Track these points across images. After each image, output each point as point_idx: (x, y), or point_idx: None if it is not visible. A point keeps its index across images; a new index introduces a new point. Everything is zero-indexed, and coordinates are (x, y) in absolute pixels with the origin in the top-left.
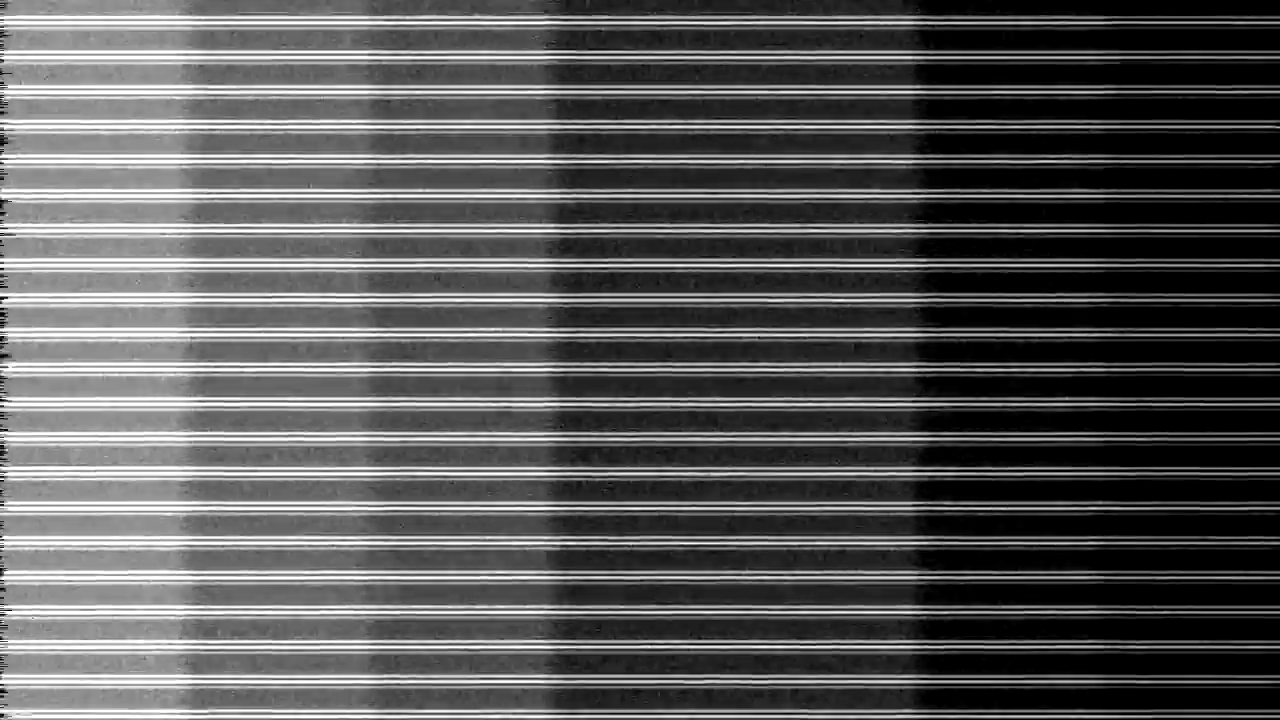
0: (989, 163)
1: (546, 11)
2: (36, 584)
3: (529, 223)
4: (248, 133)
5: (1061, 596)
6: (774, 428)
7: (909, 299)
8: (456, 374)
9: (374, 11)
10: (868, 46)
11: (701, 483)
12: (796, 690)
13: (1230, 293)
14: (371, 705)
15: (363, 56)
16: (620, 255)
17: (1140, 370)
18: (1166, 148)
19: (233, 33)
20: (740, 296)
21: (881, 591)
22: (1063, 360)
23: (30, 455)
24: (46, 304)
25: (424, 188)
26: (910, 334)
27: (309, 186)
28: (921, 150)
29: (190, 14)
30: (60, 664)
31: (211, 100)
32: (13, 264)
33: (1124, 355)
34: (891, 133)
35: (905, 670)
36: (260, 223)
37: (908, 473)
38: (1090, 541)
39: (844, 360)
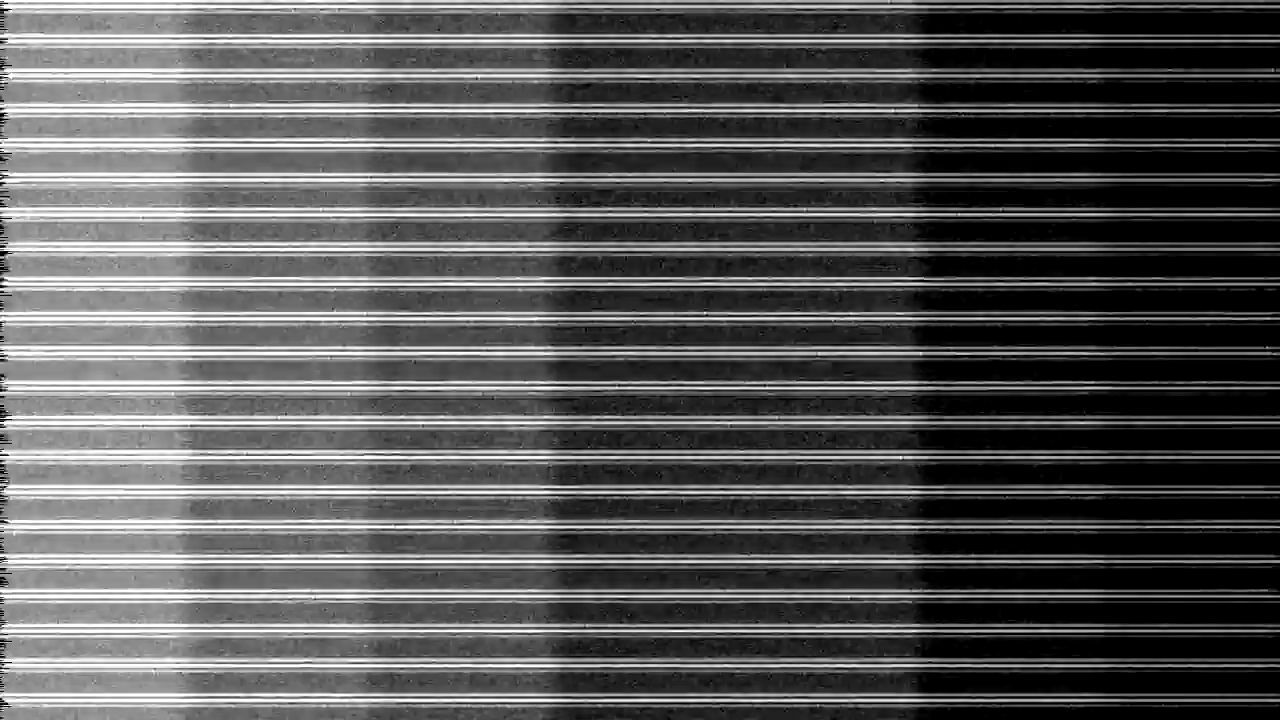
0: (989, 146)
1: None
2: (36, 579)
3: (530, 213)
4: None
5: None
6: (780, 477)
7: (910, 306)
8: (459, 369)
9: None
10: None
11: (711, 501)
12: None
13: (1230, 276)
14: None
15: (367, 43)
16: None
17: (1145, 391)
18: (1165, 165)
19: (236, 15)
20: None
21: (881, 612)
22: (1066, 406)
23: (31, 446)
24: (47, 299)
25: (424, 140)
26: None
27: (310, 173)
28: (922, 137)
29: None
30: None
31: (213, 86)
32: (13, 276)
33: (1130, 373)
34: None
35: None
36: (260, 207)
37: (910, 495)
38: (1096, 592)
39: (847, 380)
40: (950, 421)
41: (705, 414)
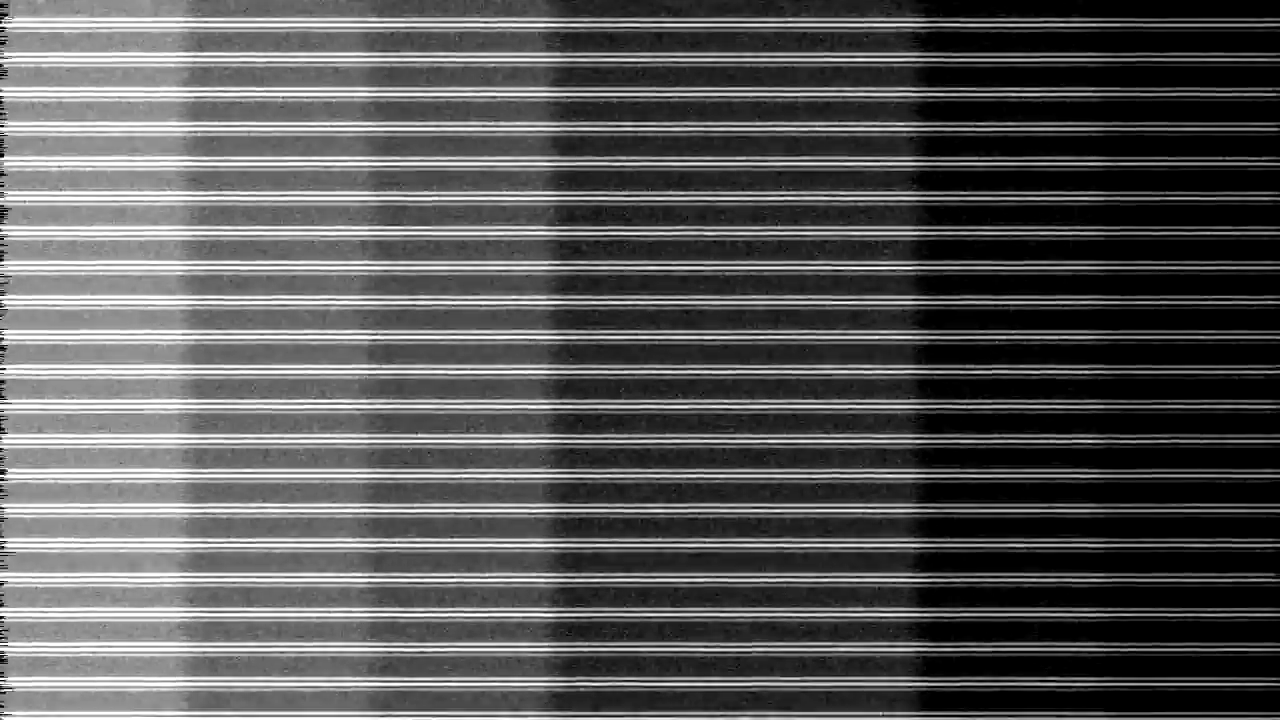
0: (989, 164)
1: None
2: (37, 585)
3: (531, 225)
4: (248, 136)
5: (1063, 599)
6: (772, 428)
7: (908, 305)
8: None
9: (378, 16)
10: (868, 49)
11: (700, 485)
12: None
13: (1230, 295)
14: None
15: (366, 57)
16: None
17: (1140, 372)
18: (1163, 149)
19: (233, 35)
20: (742, 299)
21: (879, 594)
22: (1063, 379)
23: (30, 457)
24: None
25: (428, 168)
26: (911, 339)
27: (310, 188)
28: (922, 154)
29: (190, 16)
30: (59, 666)
31: (212, 103)
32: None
33: (1123, 358)
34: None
35: (906, 671)
36: (260, 224)
37: (908, 475)
38: (1093, 544)
39: (844, 361)
40: (949, 440)
41: (706, 431)
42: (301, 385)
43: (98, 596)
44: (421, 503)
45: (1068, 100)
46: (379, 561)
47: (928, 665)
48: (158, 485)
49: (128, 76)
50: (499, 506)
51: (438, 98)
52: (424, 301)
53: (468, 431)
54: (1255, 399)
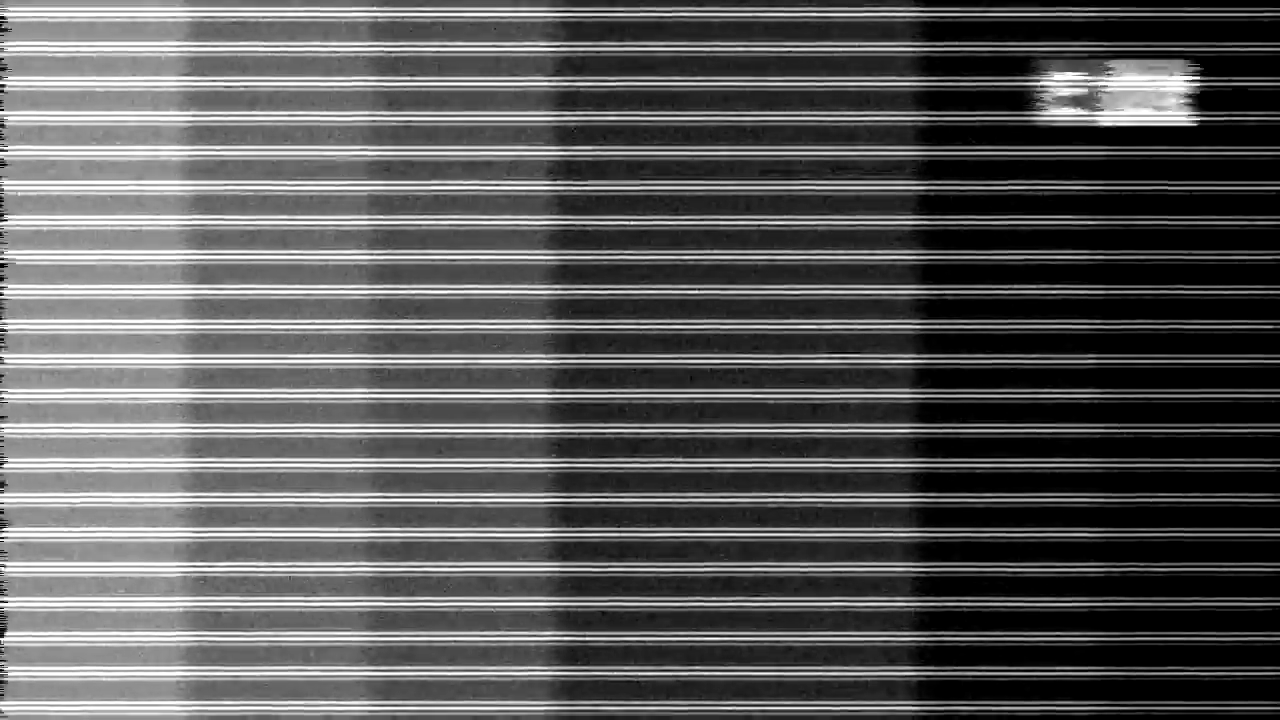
0: (985, 153)
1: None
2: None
3: (530, 248)
4: (248, 155)
5: (1062, 603)
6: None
7: (908, 323)
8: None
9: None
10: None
11: (707, 509)
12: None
13: (1228, 285)
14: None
15: (367, 64)
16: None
17: (1138, 362)
18: (1163, 139)
19: (233, 23)
20: (742, 317)
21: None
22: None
23: (30, 481)
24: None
25: (427, 167)
26: (910, 359)
27: (309, 194)
28: (922, 164)
29: (189, 5)
30: (62, 690)
31: (211, 92)
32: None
33: (1121, 347)
34: (893, 139)
35: (906, 696)
36: (260, 238)
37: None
38: (1092, 566)
39: (845, 385)
40: (949, 430)
41: (705, 421)
42: (302, 374)
43: (96, 585)
44: (422, 491)
45: (1070, 121)
46: (379, 551)
47: (927, 678)
48: (157, 474)
49: (127, 65)
50: (499, 495)
51: (439, 87)
52: (425, 291)
53: (470, 421)
54: (1255, 388)
